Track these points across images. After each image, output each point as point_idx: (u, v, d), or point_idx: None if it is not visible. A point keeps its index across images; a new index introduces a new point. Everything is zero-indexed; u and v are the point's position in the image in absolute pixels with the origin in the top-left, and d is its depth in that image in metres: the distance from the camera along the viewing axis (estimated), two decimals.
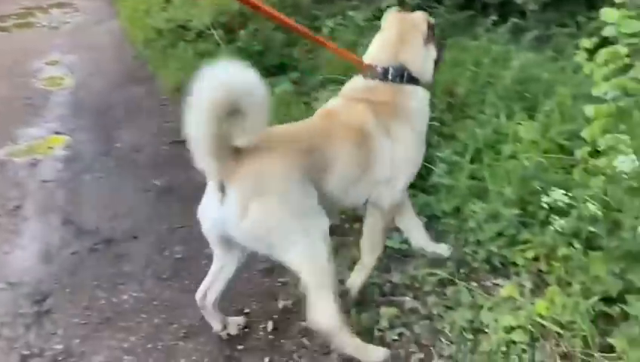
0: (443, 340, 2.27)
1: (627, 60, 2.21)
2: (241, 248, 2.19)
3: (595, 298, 2.05)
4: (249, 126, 1.85)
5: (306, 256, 2.02)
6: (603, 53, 2.05)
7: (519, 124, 3.15)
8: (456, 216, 2.97)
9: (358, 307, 2.47)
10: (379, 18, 6.80)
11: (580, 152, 2.20)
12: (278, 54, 5.91)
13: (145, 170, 4.29)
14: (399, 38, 2.43)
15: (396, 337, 2.33)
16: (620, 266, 2.08)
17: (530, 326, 2.14)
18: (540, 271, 2.45)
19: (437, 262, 2.71)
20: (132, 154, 4.62)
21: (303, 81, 5.17)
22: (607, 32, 2.07)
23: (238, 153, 1.91)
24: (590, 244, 2.23)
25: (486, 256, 2.61)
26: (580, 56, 2.51)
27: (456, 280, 2.54)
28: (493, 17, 5.38)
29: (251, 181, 1.93)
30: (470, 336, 2.23)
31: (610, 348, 1.94)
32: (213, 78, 1.77)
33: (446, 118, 3.64)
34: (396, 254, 2.83)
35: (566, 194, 2.15)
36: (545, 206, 2.26)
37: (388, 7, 6.58)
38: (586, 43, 2.42)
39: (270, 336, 2.43)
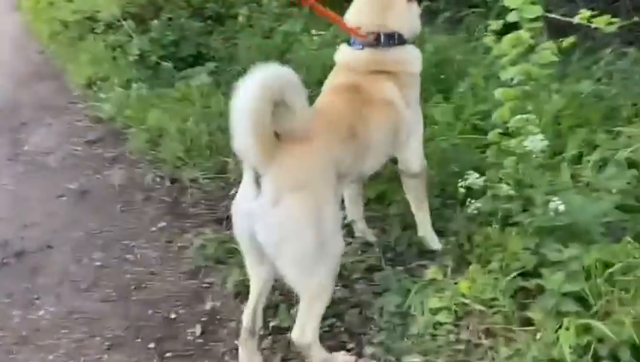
0: (373, 327, 2.29)
1: (532, 42, 2.29)
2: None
3: (514, 274, 2.13)
4: (295, 116, 1.81)
5: (313, 276, 1.92)
6: (507, 40, 2.10)
7: (435, 106, 3.22)
8: (381, 202, 3.00)
9: (287, 301, 2.44)
10: (294, 4, 6.74)
11: (492, 134, 2.26)
12: (194, 44, 5.71)
13: (57, 173, 4.04)
14: None
15: (327, 329, 2.32)
16: (534, 241, 2.17)
17: (454, 306, 2.20)
18: (462, 250, 2.52)
19: (364, 248, 2.73)
20: (42, 157, 4.34)
21: (221, 71, 5.03)
22: (511, 17, 2.12)
23: (277, 140, 1.83)
24: (507, 222, 2.31)
25: (410, 240, 2.65)
26: (489, 39, 2.57)
27: (384, 266, 2.57)
28: None
29: (289, 169, 1.85)
30: (399, 321, 2.26)
31: (529, 321, 2.02)
32: (266, 70, 1.74)
33: None
34: None
35: (480, 177, 2.20)
36: (461, 190, 2.30)
37: None
38: (494, 25, 2.48)
39: (199, 340, 2.35)
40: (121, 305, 2.61)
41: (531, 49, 2.32)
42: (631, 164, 2.73)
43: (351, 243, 2.77)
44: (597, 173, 2.63)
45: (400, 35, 2.38)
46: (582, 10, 2.24)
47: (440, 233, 2.66)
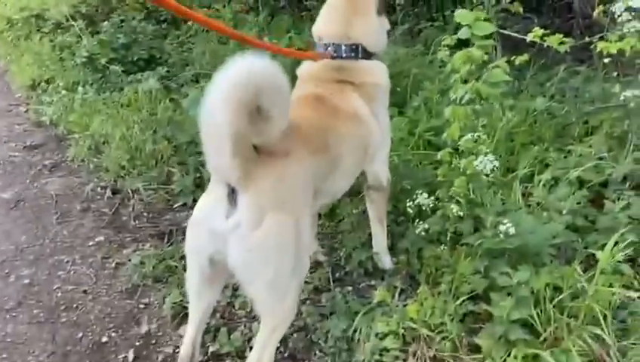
0: (318, 352, 2.17)
1: (485, 58, 2.24)
2: (225, 279, 1.91)
3: (463, 297, 2.06)
4: (273, 124, 1.64)
5: (284, 301, 1.78)
6: (458, 57, 2.04)
7: (390, 120, 3.14)
8: (332, 218, 2.90)
9: (228, 325, 2.31)
10: (251, 10, 6.61)
11: (443, 153, 2.19)
12: (146, 47, 5.50)
13: None
14: (350, 8, 2.27)
15: None
16: (483, 264, 2.11)
17: (402, 331, 2.11)
18: (412, 270, 2.44)
19: (313, 268, 2.61)
20: None
21: (172, 76, 4.85)
22: (462, 34, 2.06)
23: (256, 155, 1.68)
24: (457, 242, 2.25)
25: (360, 259, 2.55)
26: (443, 53, 2.51)
27: (332, 287, 2.46)
28: None
29: (271, 188, 1.69)
30: (345, 346, 2.15)
31: (478, 348, 1.95)
32: (241, 69, 1.52)
33: None
34: None
35: (429, 196, 2.13)
36: (410, 210, 2.22)
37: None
38: (448, 40, 2.43)
39: None
40: (48, 328, 2.40)
41: (484, 65, 2.27)
42: (581, 183, 2.73)
43: None
44: (548, 192, 2.60)
45: (364, 48, 2.28)
46: (535, 28, 2.21)
47: (391, 251, 2.58)
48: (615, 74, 3.02)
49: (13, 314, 2.50)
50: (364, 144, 2.21)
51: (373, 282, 2.51)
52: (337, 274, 2.58)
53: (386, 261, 2.54)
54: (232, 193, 1.66)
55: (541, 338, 1.86)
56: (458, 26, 2.25)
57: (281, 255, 1.72)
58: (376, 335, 2.12)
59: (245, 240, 1.65)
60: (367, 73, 2.27)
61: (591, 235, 2.43)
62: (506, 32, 2.66)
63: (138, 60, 5.27)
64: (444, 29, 4.83)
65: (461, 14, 2.01)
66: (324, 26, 2.33)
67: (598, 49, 2.18)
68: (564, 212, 2.41)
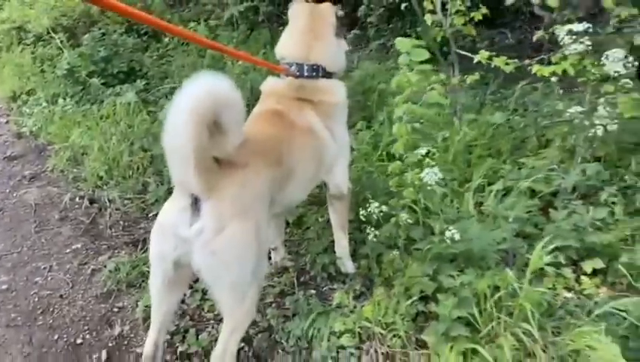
0: (280, 351, 2.32)
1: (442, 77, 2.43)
2: (186, 282, 2.07)
3: (414, 298, 2.23)
4: (229, 137, 1.79)
5: (244, 303, 1.92)
6: (395, 81, 2.23)
7: (356, 133, 3.33)
8: (300, 226, 3.06)
9: (197, 326, 2.45)
10: (231, 24, 6.76)
11: (392, 166, 2.37)
12: (126, 60, 5.63)
13: None
14: (311, 32, 2.43)
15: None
16: (432, 267, 2.28)
17: (358, 330, 2.27)
18: (371, 274, 2.60)
19: (280, 272, 2.77)
20: None
21: (151, 88, 4.98)
22: (401, 60, 2.24)
23: (217, 166, 1.82)
24: (410, 249, 2.42)
25: (323, 264, 2.71)
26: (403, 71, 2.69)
27: (296, 290, 2.61)
28: None
29: (233, 197, 1.83)
30: (305, 345, 2.30)
31: (425, 344, 2.12)
32: (199, 89, 1.67)
33: None
34: None
35: (380, 206, 2.30)
36: (362, 218, 2.40)
37: (241, 13, 6.67)
38: (401, 60, 2.60)
39: None
40: (25, 331, 2.53)
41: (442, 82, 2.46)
42: (533, 193, 2.93)
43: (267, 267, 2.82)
44: (499, 201, 2.78)
45: (324, 68, 2.42)
46: (481, 51, 2.40)
47: (353, 256, 2.74)
48: (561, 91, 3.21)
49: None
50: (317, 157, 2.36)
51: (335, 286, 2.66)
52: (302, 279, 2.74)
53: (348, 265, 2.70)
54: (195, 202, 1.79)
55: (481, 334, 2.03)
56: None
57: (242, 258, 1.85)
58: (334, 334, 2.28)
59: (209, 244, 1.78)
60: (326, 92, 2.43)
61: (538, 241, 2.63)
62: (460, 51, 2.85)
63: (118, 73, 5.40)
64: None
65: (400, 41, 2.20)
66: (287, 47, 2.49)
67: (533, 71, 2.37)
68: (511, 220, 2.59)
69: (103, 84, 5.12)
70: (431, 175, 2.13)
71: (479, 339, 2.01)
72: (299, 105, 2.36)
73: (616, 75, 2.63)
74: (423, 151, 2.29)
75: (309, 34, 2.44)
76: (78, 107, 4.76)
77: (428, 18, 2.92)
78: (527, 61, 2.52)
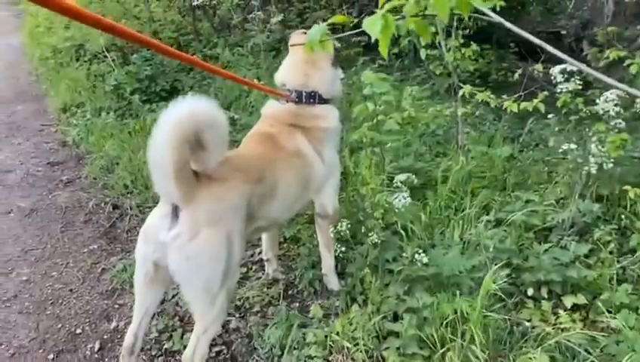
0: (256, 357, 2.47)
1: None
2: (166, 283, 2.18)
3: (380, 316, 2.33)
4: (210, 155, 1.96)
5: (214, 305, 2.08)
6: (357, 110, 2.38)
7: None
8: (295, 242, 3.22)
9: (184, 327, 2.63)
10: (274, 49, 7.05)
11: (364, 190, 2.50)
12: (170, 80, 6.03)
13: (12, 191, 4.27)
14: (309, 62, 2.60)
15: (214, 354, 2.51)
16: (403, 288, 2.39)
17: (330, 343, 2.39)
18: (354, 291, 2.71)
19: (270, 284, 2.93)
20: (2, 174, 4.58)
21: None
22: (366, 91, 2.40)
23: (196, 178, 1.99)
24: (385, 268, 2.53)
25: (310, 279, 2.85)
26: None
27: (280, 302, 2.76)
28: None
29: (207, 208, 1.99)
30: (279, 352, 2.44)
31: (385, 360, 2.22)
32: (182, 109, 1.85)
33: None
34: None
35: (354, 225, 2.43)
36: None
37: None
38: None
39: (95, 355, 2.54)
40: (34, 318, 2.80)
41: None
42: (527, 226, 2.98)
43: (260, 278, 2.99)
44: (487, 232, 2.85)
45: (320, 95, 2.59)
46: (466, 85, 2.52)
47: (340, 275, 2.87)
48: (556, 128, 3.26)
49: (8, 305, 2.91)
50: (303, 178, 2.51)
51: (320, 301, 2.79)
52: (290, 291, 2.89)
53: (333, 282, 2.83)
54: (175, 210, 1.98)
55: (437, 355, 2.12)
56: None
57: (212, 263, 2.02)
58: (307, 344, 2.41)
59: (183, 249, 1.97)
60: (319, 118, 2.59)
61: (525, 273, 2.68)
62: (459, 82, 2.96)
63: (160, 91, 5.79)
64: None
65: (366, 75, 2.35)
66: (288, 75, 2.67)
67: (505, 106, 2.46)
68: (491, 249, 2.66)
69: (144, 101, 5.51)
70: (400, 199, 2.25)
71: (434, 359, 2.10)
72: (290, 129, 2.53)
73: (605, 114, 2.69)
74: (402, 177, 2.41)
75: (307, 63, 2.62)
76: (117, 121, 5.14)
77: (422, 52, 3.07)
78: (504, 96, 2.59)
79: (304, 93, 2.58)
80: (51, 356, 2.54)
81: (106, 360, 2.52)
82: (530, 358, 1.99)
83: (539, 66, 2.76)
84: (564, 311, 2.51)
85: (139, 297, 2.22)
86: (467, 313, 2.12)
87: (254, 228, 2.37)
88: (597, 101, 2.76)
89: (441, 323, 2.20)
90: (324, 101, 2.63)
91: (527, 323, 2.34)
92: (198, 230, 1.97)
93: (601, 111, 2.71)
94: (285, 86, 2.66)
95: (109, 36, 7.20)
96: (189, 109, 1.86)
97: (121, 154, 4.36)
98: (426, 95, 4.67)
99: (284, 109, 2.60)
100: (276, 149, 2.46)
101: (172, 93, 5.86)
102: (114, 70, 6.30)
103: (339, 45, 2.69)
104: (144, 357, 2.49)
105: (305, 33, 2.71)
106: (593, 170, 2.88)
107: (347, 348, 2.33)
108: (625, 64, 3.12)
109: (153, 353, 2.52)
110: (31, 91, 7.22)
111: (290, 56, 2.73)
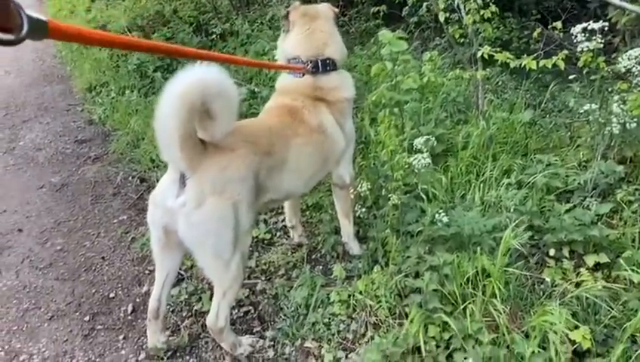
0: (282, 316, 2.56)
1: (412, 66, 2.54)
2: (180, 248, 2.18)
3: (401, 275, 2.39)
4: (217, 125, 1.94)
5: (228, 270, 2.12)
6: (374, 68, 2.39)
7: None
8: (317, 210, 3.28)
9: (211, 290, 2.72)
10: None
11: (383, 153, 2.53)
12: (191, 58, 6.07)
13: (43, 167, 4.41)
14: (317, 30, 2.55)
15: (242, 315, 2.60)
16: (424, 248, 2.43)
17: (353, 302, 2.46)
18: (375, 256, 2.77)
19: (295, 249, 3.01)
20: (33, 152, 4.72)
21: None
22: (384, 50, 2.41)
23: (203, 147, 1.98)
24: (405, 230, 2.58)
25: (332, 244, 2.91)
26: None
27: (304, 264, 2.84)
28: None
29: (213, 177, 1.99)
30: (304, 311, 2.52)
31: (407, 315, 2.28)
32: (190, 78, 1.81)
33: None
34: (260, 242, 3.11)
35: (375, 187, 2.47)
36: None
37: None
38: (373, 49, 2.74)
39: (129, 317, 2.66)
40: (70, 284, 2.92)
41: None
42: (548, 189, 2.99)
43: (283, 244, 3.07)
44: (508, 194, 2.86)
45: (334, 62, 2.54)
46: (485, 46, 2.51)
47: (363, 239, 2.92)
48: (577, 89, 3.23)
49: (45, 272, 3.04)
50: (323, 154, 2.48)
51: (342, 264, 2.86)
52: (313, 256, 2.96)
53: (354, 248, 2.88)
54: (182, 178, 1.99)
55: (459, 310, 2.17)
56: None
57: (219, 231, 2.03)
58: (330, 303, 2.49)
59: (189, 216, 1.98)
60: (340, 89, 2.55)
61: (547, 234, 2.70)
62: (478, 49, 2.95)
63: (182, 69, 5.86)
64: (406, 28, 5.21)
65: (384, 34, 2.36)
66: (299, 47, 2.56)
67: (523, 63, 2.46)
68: (512, 210, 2.68)
69: (167, 78, 5.58)
70: (420, 160, 2.28)
71: (456, 313, 2.15)
72: (315, 103, 2.48)
73: (627, 73, 2.66)
74: (422, 140, 2.44)
75: (317, 32, 2.56)
76: (142, 98, 5.24)
77: (441, 15, 3.06)
78: (524, 56, 2.58)
79: (320, 62, 2.50)
80: (87, 318, 2.66)
81: (139, 320, 2.63)
82: (551, 312, 2.02)
83: (558, 24, 2.72)
84: (586, 269, 2.53)
85: (158, 263, 2.31)
86: (488, 270, 2.15)
87: (269, 200, 2.35)
88: (619, 59, 2.73)
89: (462, 281, 2.25)
90: (336, 67, 2.56)
91: (548, 280, 2.36)
92: (203, 198, 1.98)
93: (623, 70, 2.68)
94: (297, 59, 2.55)
95: (130, 16, 7.31)
96: (197, 78, 1.83)
97: (146, 129, 4.45)
98: (447, 63, 4.67)
99: (304, 82, 2.52)
100: (297, 123, 2.40)
101: None
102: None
103: (337, 10, 2.64)
104: (175, 317, 2.59)
105: (301, 4, 2.67)
106: (615, 130, 2.87)
107: (370, 305, 2.40)
108: None
109: (183, 314, 2.63)
110: (57, 73, 7.36)
111: (297, 28, 2.60)
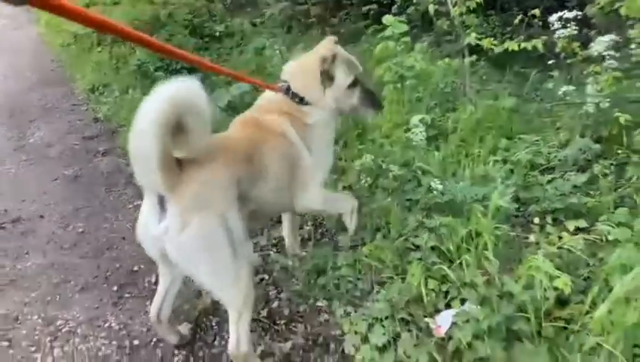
0: (294, 280, 2.81)
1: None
2: None
3: (402, 238, 2.66)
4: (193, 139, 1.86)
5: (236, 287, 2.04)
6: (379, 48, 2.68)
7: None
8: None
9: None
10: (285, 26, 7.32)
11: (383, 129, 2.81)
12: None
13: (55, 162, 4.63)
14: (305, 62, 2.49)
15: (258, 281, 2.85)
16: (422, 214, 2.71)
17: (358, 265, 2.73)
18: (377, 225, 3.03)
19: (300, 226, 3.26)
20: (44, 149, 4.94)
21: (206, 81, 5.63)
22: (388, 32, 2.70)
23: (179, 165, 1.91)
24: (404, 198, 2.85)
25: (336, 219, 3.17)
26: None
27: (312, 236, 3.10)
28: None
29: (194, 193, 1.91)
30: (315, 276, 2.78)
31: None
32: (161, 95, 1.75)
33: None
34: (270, 221, 3.35)
35: (373, 159, 2.74)
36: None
37: (292, 16, 7.26)
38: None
39: (153, 287, 2.89)
40: (95, 261, 3.15)
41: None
42: (532, 165, 3.29)
43: None
44: (492, 168, 3.15)
45: (300, 96, 2.43)
46: (471, 33, 2.80)
47: (365, 210, 3.18)
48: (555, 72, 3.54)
49: (69, 252, 3.27)
50: (291, 160, 2.37)
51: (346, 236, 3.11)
52: (319, 230, 3.22)
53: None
54: (162, 200, 1.91)
55: (454, 265, 2.44)
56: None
57: (210, 250, 1.95)
58: (338, 267, 2.75)
59: (174, 242, 1.92)
60: (306, 114, 2.44)
61: (531, 205, 3.00)
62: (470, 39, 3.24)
63: (181, 69, 6.11)
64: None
65: (387, 18, 2.65)
66: (290, 72, 2.50)
67: (506, 46, 2.75)
68: (499, 181, 2.97)
69: (166, 75, 5.84)
70: (418, 133, 2.56)
71: (453, 267, 2.43)
72: (279, 114, 2.41)
73: (599, 57, 2.97)
74: (418, 117, 2.71)
75: (301, 64, 2.50)
76: (146, 96, 5.46)
77: (431, 8, 3.36)
78: (507, 42, 2.88)
79: (291, 90, 2.45)
80: (115, 288, 2.89)
81: None
82: (537, 263, 2.29)
83: (536, 11, 3.02)
84: (568, 233, 2.81)
85: (160, 273, 2.36)
86: (479, 230, 2.42)
87: (249, 211, 2.23)
88: (592, 44, 3.03)
89: (457, 239, 2.52)
90: (304, 102, 2.46)
91: (533, 239, 2.64)
92: (188, 218, 1.90)
93: (595, 54, 2.98)
94: (286, 82, 2.49)
95: (128, 19, 7.54)
96: (168, 95, 1.76)
97: None
98: (436, 57, 4.97)
99: (276, 98, 2.49)
100: (263, 131, 2.33)
101: (191, 70, 6.19)
102: (135, 51, 6.62)
103: (341, 53, 2.53)
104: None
105: (336, 42, 2.55)
106: (590, 110, 3.18)
107: (375, 266, 2.66)
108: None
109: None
110: (56, 76, 7.57)
111: (301, 64, 2.51)
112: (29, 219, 3.67)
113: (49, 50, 9.00)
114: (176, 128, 1.79)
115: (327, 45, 2.50)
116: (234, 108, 4.43)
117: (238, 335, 2.10)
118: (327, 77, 2.42)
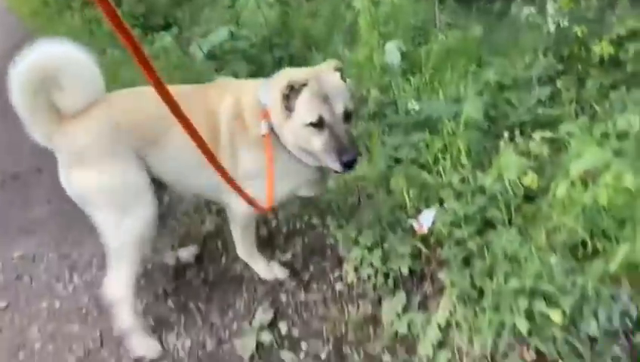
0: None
1: None
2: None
3: (384, 157, 2.90)
4: (71, 96, 1.99)
5: (114, 230, 2.11)
6: None
7: None
8: None
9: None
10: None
11: (360, 52, 2.99)
12: (162, 15, 6.41)
13: None
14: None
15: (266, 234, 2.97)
16: (402, 135, 2.94)
17: (344, 186, 2.96)
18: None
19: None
20: None
21: (184, 33, 5.75)
22: None
23: (64, 121, 2.01)
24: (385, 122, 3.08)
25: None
26: None
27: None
28: None
29: (72, 149, 2.01)
30: (306, 199, 3.01)
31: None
32: (29, 57, 1.89)
33: None
34: None
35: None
36: None
37: None
38: None
39: None
40: None
41: None
42: (500, 86, 3.51)
43: None
44: (464, 91, 3.38)
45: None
46: None
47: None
48: None
49: None
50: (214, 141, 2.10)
51: None
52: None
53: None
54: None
55: (433, 173, 2.70)
56: None
57: (93, 202, 2.08)
58: (328, 191, 2.98)
59: (70, 191, 2.10)
60: (252, 126, 2.17)
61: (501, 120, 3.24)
62: None
63: (155, 25, 6.20)
64: None
65: None
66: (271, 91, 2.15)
67: None
68: (468, 100, 3.20)
69: (144, 34, 5.91)
70: (393, 59, 2.75)
71: (433, 174, 2.67)
72: (231, 97, 2.21)
73: None
74: (392, 43, 2.90)
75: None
76: (124, 55, 5.55)
77: None
78: None
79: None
80: None
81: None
82: (506, 164, 2.54)
83: None
84: (535, 143, 3.07)
85: None
86: (451, 141, 2.66)
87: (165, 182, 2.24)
88: None
89: (435, 151, 2.76)
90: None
91: (503, 145, 2.89)
92: (69, 172, 2.06)
93: None
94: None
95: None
96: (36, 56, 1.90)
97: (137, 80, 4.80)
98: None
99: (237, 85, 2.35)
100: (189, 101, 1.90)
101: (166, 26, 6.26)
102: None
103: (300, 82, 2.08)
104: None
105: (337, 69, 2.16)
106: (552, 29, 3.40)
107: (360, 185, 2.90)
108: None
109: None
110: (25, 45, 7.49)
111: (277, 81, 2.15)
112: (27, 173, 3.82)
113: (17, 20, 8.88)
114: (54, 86, 1.93)
115: (316, 71, 2.12)
116: (214, 57, 4.55)
117: (109, 276, 2.22)
118: (286, 106, 2.07)
